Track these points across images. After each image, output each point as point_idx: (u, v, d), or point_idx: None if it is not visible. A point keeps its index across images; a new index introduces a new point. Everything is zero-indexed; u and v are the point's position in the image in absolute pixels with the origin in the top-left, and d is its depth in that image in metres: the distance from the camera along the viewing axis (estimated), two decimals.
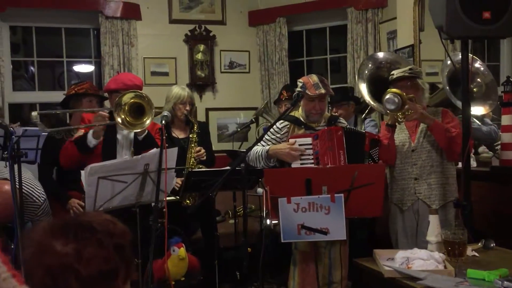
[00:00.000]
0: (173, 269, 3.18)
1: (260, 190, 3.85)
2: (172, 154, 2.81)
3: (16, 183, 2.52)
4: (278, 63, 5.61)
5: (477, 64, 3.67)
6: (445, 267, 2.26)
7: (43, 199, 2.87)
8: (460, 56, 2.91)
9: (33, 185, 2.82)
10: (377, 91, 3.59)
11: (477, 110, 3.59)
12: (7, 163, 2.51)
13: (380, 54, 4.08)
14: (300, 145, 2.99)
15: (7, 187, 2.55)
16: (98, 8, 5.16)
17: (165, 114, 2.95)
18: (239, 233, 4.03)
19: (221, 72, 5.66)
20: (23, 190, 2.61)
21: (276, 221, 2.53)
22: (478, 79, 3.66)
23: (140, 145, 3.19)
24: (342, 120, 3.31)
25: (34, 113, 2.90)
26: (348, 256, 2.99)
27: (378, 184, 2.59)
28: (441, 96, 3.82)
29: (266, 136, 3.13)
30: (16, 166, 2.52)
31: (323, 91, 3.02)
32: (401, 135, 3.17)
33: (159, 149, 2.73)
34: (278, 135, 3.15)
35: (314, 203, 2.46)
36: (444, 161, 3.10)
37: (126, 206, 2.83)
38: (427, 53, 4.51)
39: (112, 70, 5.13)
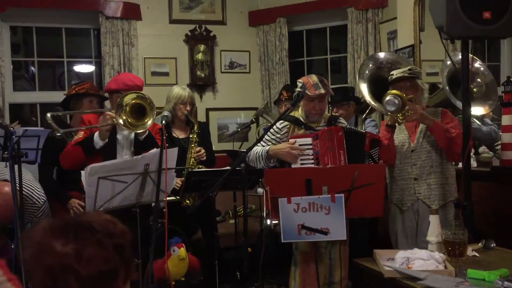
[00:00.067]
0: (173, 269, 3.18)
1: (260, 190, 3.84)
2: (172, 154, 2.81)
3: (17, 183, 2.51)
4: (279, 63, 5.61)
5: (477, 64, 3.67)
6: (445, 267, 2.26)
7: (42, 200, 2.87)
8: (460, 56, 2.91)
9: (33, 187, 2.82)
10: (377, 91, 3.59)
11: (477, 110, 3.59)
12: (7, 163, 2.50)
13: (381, 54, 4.09)
14: (300, 145, 2.99)
15: (7, 188, 2.55)
16: (99, 8, 5.16)
17: (165, 114, 2.96)
18: (239, 233, 4.04)
19: (222, 72, 5.66)
20: (23, 192, 2.60)
21: (276, 221, 2.53)
22: (478, 79, 3.66)
23: (140, 145, 3.19)
24: (342, 120, 3.31)
25: (48, 115, 2.92)
26: (348, 256, 2.99)
27: (379, 184, 2.59)
28: (441, 96, 3.82)
29: (266, 137, 3.13)
30: (16, 166, 2.52)
31: (322, 91, 3.02)
32: (400, 136, 3.17)
33: (159, 149, 2.73)
34: (278, 135, 3.15)
35: (314, 203, 2.45)
36: (443, 161, 3.10)
37: (126, 206, 2.83)
38: (427, 53, 4.51)
39: (112, 70, 5.13)
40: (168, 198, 2.91)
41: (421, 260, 2.27)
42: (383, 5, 5.13)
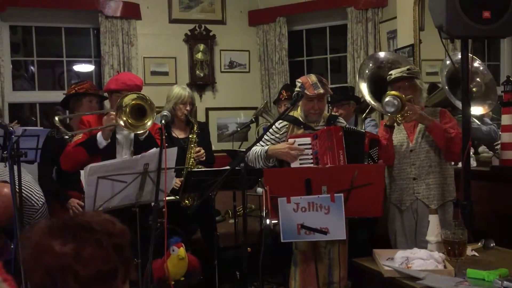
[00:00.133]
0: (173, 269, 3.18)
1: (260, 190, 3.84)
2: (171, 154, 2.81)
3: (16, 183, 2.51)
4: (278, 63, 5.60)
5: (476, 64, 3.67)
6: (444, 267, 2.26)
7: (41, 203, 2.85)
8: (459, 56, 2.91)
9: (32, 189, 2.81)
10: (377, 91, 3.59)
11: (476, 110, 3.59)
12: (7, 163, 2.50)
13: (381, 54, 4.08)
14: (299, 145, 2.98)
15: (6, 190, 2.54)
16: (98, 7, 5.16)
17: (165, 113, 2.94)
18: (239, 233, 4.02)
19: (221, 72, 5.66)
20: (22, 193, 2.60)
21: (276, 221, 2.53)
22: (478, 79, 3.65)
23: (140, 145, 3.19)
24: (341, 119, 3.30)
25: (56, 118, 2.96)
26: (347, 255, 2.99)
27: (378, 184, 2.60)
28: (440, 96, 3.82)
29: (265, 136, 3.13)
30: (16, 166, 2.51)
31: (321, 91, 3.02)
32: (399, 136, 3.17)
33: (158, 148, 2.73)
34: (277, 135, 3.15)
35: (313, 203, 2.45)
36: (442, 161, 3.10)
37: (126, 206, 2.83)
38: (427, 52, 4.51)
39: (112, 69, 5.12)
40: (167, 198, 2.91)
41: (421, 259, 2.27)
42: (383, 5, 5.12)
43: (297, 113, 3.18)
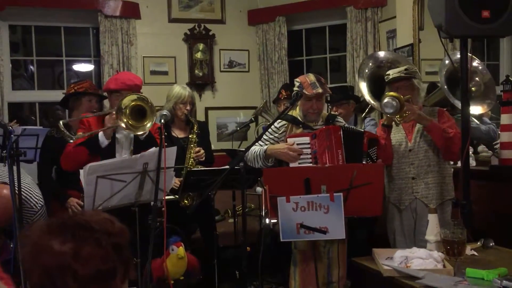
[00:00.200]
0: (172, 268, 3.18)
1: (259, 189, 3.85)
2: (171, 153, 2.81)
3: (15, 184, 2.51)
4: (278, 62, 5.61)
5: (475, 63, 3.67)
6: (444, 266, 2.27)
7: (40, 205, 2.84)
8: (459, 55, 2.91)
9: (31, 191, 2.80)
10: (377, 90, 3.59)
11: (476, 109, 3.59)
12: (6, 163, 2.50)
13: (381, 53, 4.08)
14: (298, 144, 2.98)
15: (6, 191, 2.53)
16: (98, 7, 5.16)
17: (164, 113, 2.94)
18: (238, 232, 4.02)
19: (221, 71, 5.66)
20: (21, 194, 2.59)
21: (275, 220, 2.53)
22: (477, 78, 3.65)
23: (140, 145, 3.18)
24: (340, 119, 3.30)
25: (61, 123, 2.95)
26: (346, 255, 2.99)
27: (377, 183, 2.60)
28: (439, 95, 3.82)
29: (264, 136, 3.13)
30: (15, 166, 2.51)
31: (320, 90, 3.01)
32: (397, 135, 3.17)
33: (158, 148, 2.73)
34: (276, 135, 3.15)
35: (313, 202, 2.46)
36: (440, 161, 3.10)
37: (125, 205, 2.83)
38: (426, 52, 4.51)
39: (111, 69, 5.13)
40: (167, 197, 2.91)
41: (420, 259, 2.27)
42: (382, 4, 5.12)
43: (296, 112, 3.18)
